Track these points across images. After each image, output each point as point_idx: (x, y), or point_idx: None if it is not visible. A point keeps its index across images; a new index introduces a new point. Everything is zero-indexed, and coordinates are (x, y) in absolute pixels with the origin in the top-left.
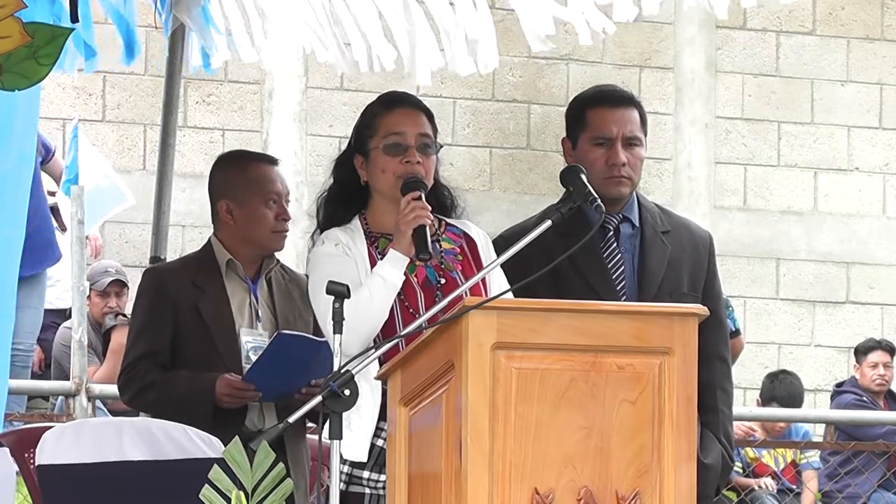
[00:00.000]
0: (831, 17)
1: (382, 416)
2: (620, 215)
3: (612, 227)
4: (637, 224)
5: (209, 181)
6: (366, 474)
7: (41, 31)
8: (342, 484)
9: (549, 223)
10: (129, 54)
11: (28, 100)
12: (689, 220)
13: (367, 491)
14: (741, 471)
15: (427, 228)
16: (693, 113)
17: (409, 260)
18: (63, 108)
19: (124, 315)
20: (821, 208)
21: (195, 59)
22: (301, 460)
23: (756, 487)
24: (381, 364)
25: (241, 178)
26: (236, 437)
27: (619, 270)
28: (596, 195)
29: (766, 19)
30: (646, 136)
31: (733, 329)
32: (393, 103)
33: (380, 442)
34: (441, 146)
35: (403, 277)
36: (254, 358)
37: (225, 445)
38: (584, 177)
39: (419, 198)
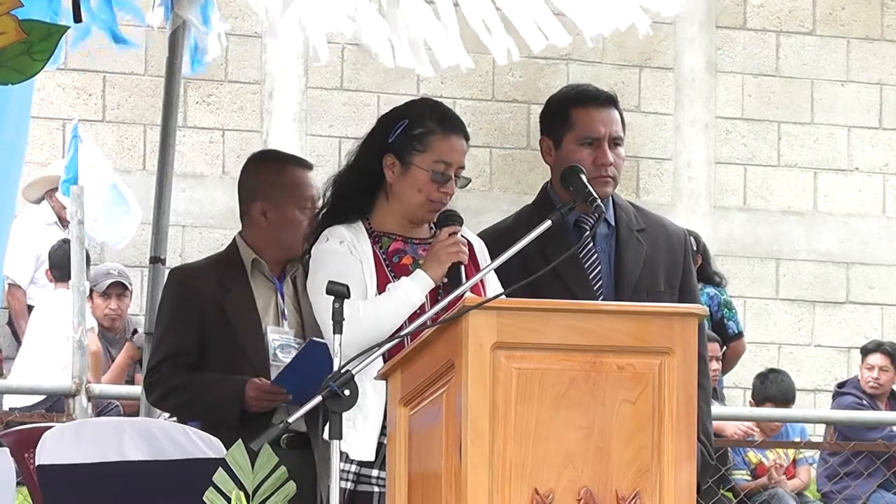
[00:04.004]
0: (831, 17)
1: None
2: (596, 215)
3: (587, 228)
4: (613, 223)
5: (243, 180)
6: (375, 473)
7: (37, 28)
8: (351, 483)
9: (549, 223)
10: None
11: (21, 94)
12: (663, 218)
13: (377, 490)
14: (749, 476)
15: (463, 266)
16: (693, 113)
17: (434, 286)
18: (63, 108)
19: (135, 331)
20: (821, 208)
21: (188, 60)
22: (328, 458)
23: (774, 486)
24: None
25: (279, 181)
26: (239, 439)
27: (596, 270)
28: (596, 195)
29: (766, 19)
30: (624, 135)
31: (736, 331)
32: (449, 126)
33: (385, 440)
34: (469, 181)
35: (424, 300)
36: (280, 355)
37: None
38: (584, 177)
39: (456, 233)
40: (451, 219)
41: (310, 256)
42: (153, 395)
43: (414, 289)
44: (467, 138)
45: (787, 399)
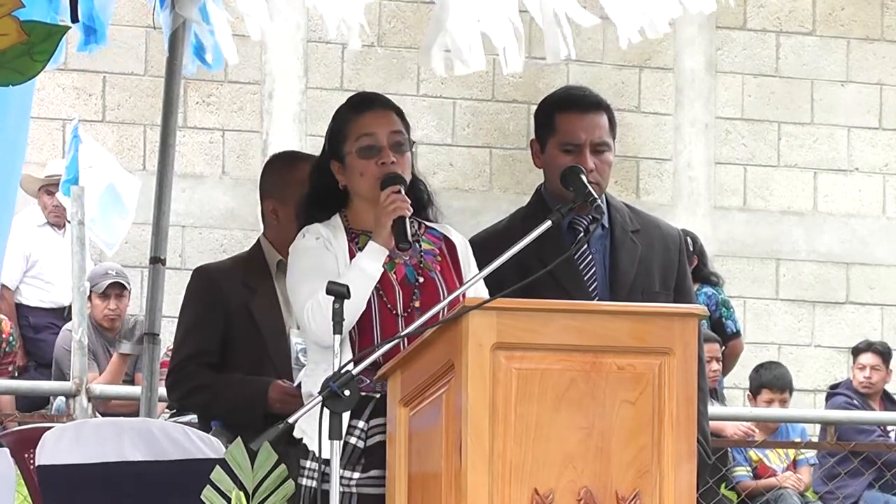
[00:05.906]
0: (831, 18)
1: (354, 413)
2: (590, 216)
3: (581, 229)
4: (607, 224)
5: (259, 181)
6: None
7: (37, 29)
8: (315, 482)
9: (549, 223)
10: (87, 41)
11: (21, 94)
12: (658, 219)
13: (341, 489)
14: (750, 473)
15: (407, 219)
16: (693, 113)
17: (387, 252)
18: (63, 109)
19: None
20: (821, 208)
21: (190, 60)
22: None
23: (781, 487)
24: (354, 364)
25: (288, 178)
26: (238, 438)
27: (591, 271)
28: (595, 195)
29: (766, 19)
30: (615, 139)
31: (734, 330)
32: (361, 105)
33: (352, 440)
34: (414, 143)
35: (382, 269)
36: (303, 359)
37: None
38: (584, 177)
39: (399, 191)
40: (389, 181)
41: None
42: (176, 394)
43: (366, 260)
44: (393, 108)
45: (782, 385)
